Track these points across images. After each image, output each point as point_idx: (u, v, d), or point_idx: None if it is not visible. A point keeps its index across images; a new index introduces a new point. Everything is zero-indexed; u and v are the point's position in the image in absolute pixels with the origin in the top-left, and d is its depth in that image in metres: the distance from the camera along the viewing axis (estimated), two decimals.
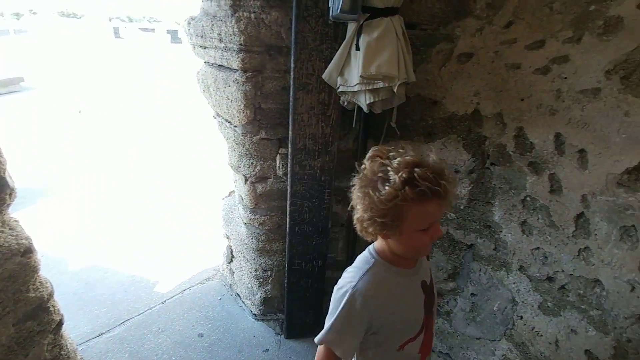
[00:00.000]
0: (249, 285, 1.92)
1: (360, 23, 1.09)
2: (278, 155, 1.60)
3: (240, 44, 1.30)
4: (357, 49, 1.13)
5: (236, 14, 1.26)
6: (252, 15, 1.24)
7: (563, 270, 1.20)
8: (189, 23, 1.56)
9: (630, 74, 0.95)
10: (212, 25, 1.39)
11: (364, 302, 0.71)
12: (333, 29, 1.20)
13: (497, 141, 1.33)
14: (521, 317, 1.37)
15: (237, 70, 1.38)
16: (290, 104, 1.35)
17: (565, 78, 1.10)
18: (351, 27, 1.12)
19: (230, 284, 2.20)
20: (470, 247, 1.52)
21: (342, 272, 0.79)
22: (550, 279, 1.25)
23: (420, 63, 1.32)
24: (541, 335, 1.29)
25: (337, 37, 1.21)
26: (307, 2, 1.14)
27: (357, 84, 1.17)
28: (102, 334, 1.82)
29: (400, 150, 0.68)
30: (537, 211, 1.25)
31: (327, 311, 0.76)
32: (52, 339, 0.96)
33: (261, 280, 1.85)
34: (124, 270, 2.40)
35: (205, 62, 1.69)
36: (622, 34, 0.94)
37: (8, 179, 0.82)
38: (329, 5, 1.10)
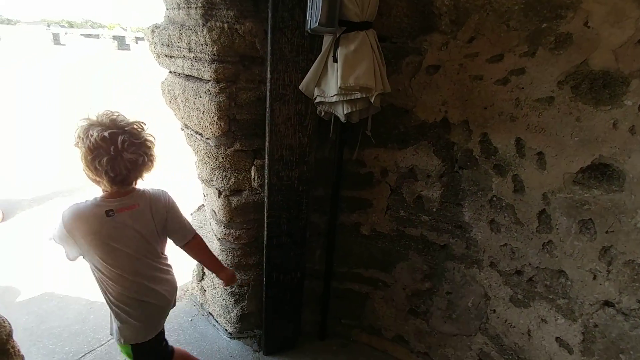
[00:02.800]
0: (224, 303, 1.85)
1: (337, 36, 1.12)
2: (253, 167, 1.57)
3: (213, 54, 1.26)
4: (335, 60, 1.15)
5: (208, 24, 1.23)
6: (226, 25, 1.22)
7: (530, 264, 1.29)
8: (153, 31, 1.49)
9: (579, 84, 1.07)
10: (181, 34, 1.34)
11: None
12: (309, 41, 1.21)
13: (465, 146, 1.41)
14: (494, 311, 1.46)
15: (210, 80, 1.34)
16: (267, 115, 1.33)
17: (523, 88, 1.20)
18: (327, 40, 1.15)
19: (202, 303, 2.09)
20: (444, 247, 1.59)
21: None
22: (518, 272, 1.34)
23: (391, 74, 1.38)
24: (514, 327, 1.38)
25: (313, 49, 1.22)
26: (283, 14, 1.14)
27: (335, 95, 1.19)
28: None
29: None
30: (504, 210, 1.35)
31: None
32: None
33: (237, 296, 1.79)
34: (80, 297, 2.19)
35: (171, 71, 1.62)
36: (572, 48, 1.06)
37: None
38: (307, 17, 1.11)
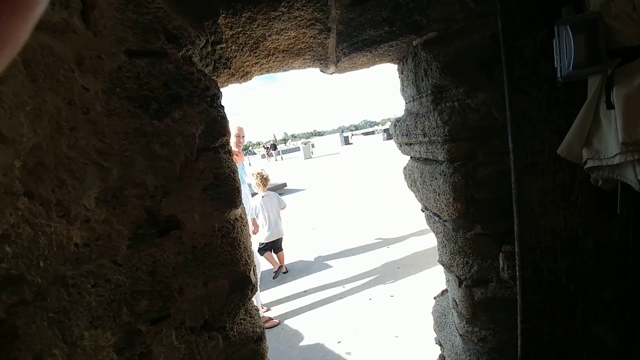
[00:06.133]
0: None
1: (609, 73, 0.79)
2: (501, 254, 1.29)
3: (445, 135, 1.23)
4: (610, 107, 0.81)
5: (438, 107, 1.23)
6: (456, 103, 1.17)
7: None
8: (395, 125, 1.67)
9: None
10: (416, 122, 1.42)
11: None
12: (565, 92, 0.93)
13: None
14: None
15: (444, 161, 1.30)
16: (513, 191, 1.09)
17: None
18: (593, 82, 0.83)
19: None
20: None
21: None
22: None
23: None
24: None
25: (572, 100, 0.92)
26: (522, 72, 0.96)
27: (617, 155, 0.81)
28: None
29: None
30: None
31: None
32: None
33: None
34: (340, 355, 2.47)
35: (411, 157, 1.72)
36: None
37: (252, 276, 1.01)
38: (555, 65, 0.87)
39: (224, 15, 0.91)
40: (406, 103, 1.61)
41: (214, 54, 0.98)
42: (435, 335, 1.90)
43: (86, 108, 0.71)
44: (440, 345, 1.83)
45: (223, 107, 0.94)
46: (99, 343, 0.73)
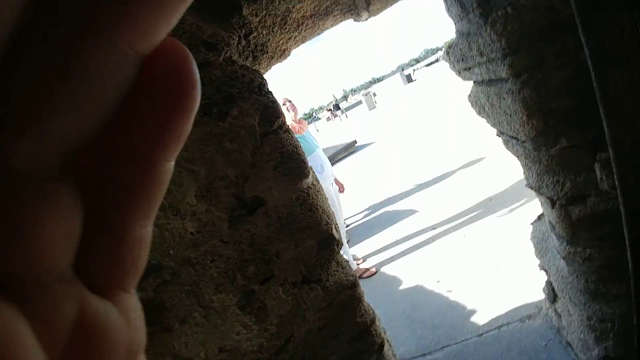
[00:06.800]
0: (582, 336, 1.44)
1: None
2: (597, 164, 1.15)
3: (503, 48, 1.11)
4: None
5: (489, 19, 1.10)
6: (509, 8, 1.03)
7: None
8: (447, 53, 1.55)
9: None
10: (469, 43, 1.30)
11: None
12: None
13: None
14: None
15: (508, 78, 1.18)
16: (596, 89, 0.96)
17: None
18: None
19: (558, 328, 1.74)
20: None
21: None
22: None
23: None
24: None
25: None
26: None
27: None
28: (424, 354, 1.99)
29: None
30: None
31: None
32: (376, 358, 1.17)
33: (597, 332, 1.33)
34: (441, 294, 2.55)
35: (474, 82, 1.58)
36: None
37: (334, 233, 1.13)
38: None
39: (246, 5, 0.96)
40: (455, 24, 1.47)
41: (249, 45, 1.05)
42: (538, 262, 1.82)
43: None
44: (545, 270, 1.75)
45: (271, 92, 1.02)
46: (225, 303, 0.94)
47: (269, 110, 0.99)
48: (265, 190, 1.02)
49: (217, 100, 0.91)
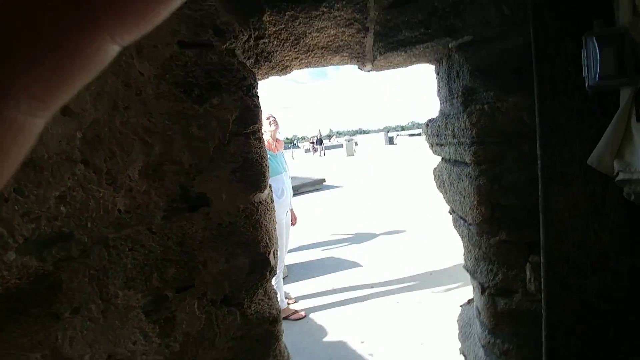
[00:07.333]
0: None
1: (639, 86, 0.74)
2: (528, 265, 1.24)
3: (472, 137, 1.21)
4: None
5: (467, 109, 1.21)
6: (486, 106, 1.14)
7: None
8: (427, 125, 1.66)
9: None
10: (447, 123, 1.40)
11: None
12: (597, 103, 0.88)
13: None
14: None
15: (470, 164, 1.27)
16: (540, 200, 1.05)
17: None
18: (625, 94, 0.78)
19: None
20: None
21: None
22: None
23: None
24: None
25: (604, 111, 0.87)
26: (553, 77, 0.92)
27: None
28: None
29: None
30: None
31: None
32: None
33: None
34: (363, 356, 2.48)
35: (441, 158, 1.69)
36: None
37: (271, 259, 1.09)
38: (583, 74, 0.83)
39: (268, 12, 0.99)
40: (440, 104, 1.59)
41: (256, 47, 1.07)
42: (460, 345, 1.85)
43: (139, 90, 0.82)
44: (465, 356, 1.78)
45: (258, 96, 1.01)
46: (130, 303, 0.84)
47: (249, 112, 0.98)
48: (215, 190, 0.97)
49: (202, 83, 0.89)
